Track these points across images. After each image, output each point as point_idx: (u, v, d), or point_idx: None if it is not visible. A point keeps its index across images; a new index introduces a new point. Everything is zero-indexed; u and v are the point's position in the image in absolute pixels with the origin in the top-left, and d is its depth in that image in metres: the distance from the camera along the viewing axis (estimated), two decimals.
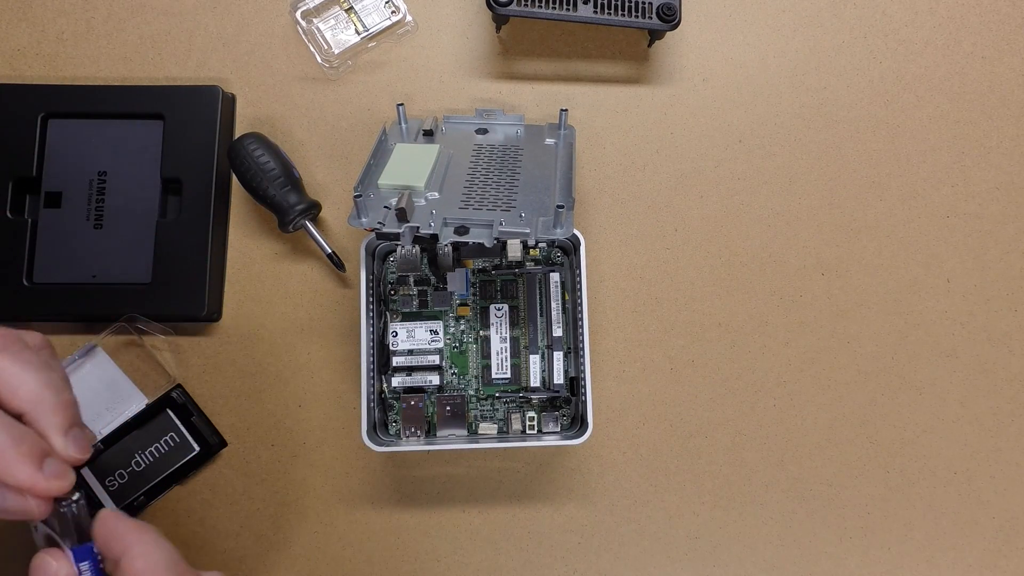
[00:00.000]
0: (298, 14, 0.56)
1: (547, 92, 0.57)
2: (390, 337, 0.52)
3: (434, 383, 0.51)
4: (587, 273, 0.52)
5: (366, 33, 0.56)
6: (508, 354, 0.52)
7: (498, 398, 0.53)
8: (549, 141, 0.54)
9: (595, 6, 0.53)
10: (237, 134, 0.55)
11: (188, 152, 0.53)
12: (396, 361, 0.52)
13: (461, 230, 0.45)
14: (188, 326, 0.54)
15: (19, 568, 0.50)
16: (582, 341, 0.50)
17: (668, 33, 0.56)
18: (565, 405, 0.53)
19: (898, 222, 0.57)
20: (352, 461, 0.54)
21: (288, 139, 0.56)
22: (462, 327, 0.53)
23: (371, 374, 0.49)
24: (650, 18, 0.53)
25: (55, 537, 0.37)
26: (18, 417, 0.36)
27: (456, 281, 0.53)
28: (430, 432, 0.52)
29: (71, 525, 0.37)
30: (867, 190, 0.57)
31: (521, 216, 0.45)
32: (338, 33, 0.56)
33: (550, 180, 0.49)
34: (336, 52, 0.56)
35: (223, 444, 0.53)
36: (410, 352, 0.52)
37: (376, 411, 0.51)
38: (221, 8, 0.57)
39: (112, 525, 0.37)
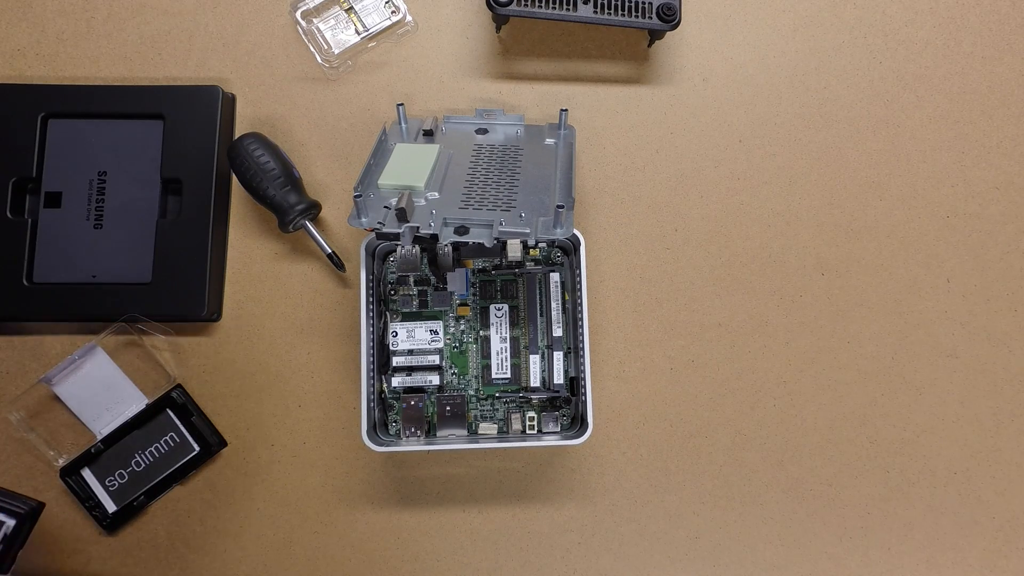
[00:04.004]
0: (298, 14, 0.56)
1: (547, 92, 0.57)
2: (390, 337, 0.52)
3: (434, 383, 0.51)
4: (587, 273, 0.52)
5: (366, 33, 0.56)
6: (508, 354, 0.52)
7: (498, 398, 0.53)
8: (549, 141, 0.54)
9: (595, 6, 0.53)
10: (237, 134, 0.55)
11: (188, 152, 0.53)
12: (396, 361, 0.52)
13: (461, 230, 0.45)
14: (188, 326, 0.54)
15: None
16: (582, 341, 0.50)
17: (668, 33, 0.56)
18: (565, 405, 0.53)
19: (898, 222, 0.57)
20: (352, 461, 0.54)
21: (288, 139, 0.56)
22: (462, 327, 0.53)
23: (371, 374, 0.49)
24: (650, 18, 0.53)
25: None
26: None
27: (456, 281, 0.53)
28: (430, 432, 0.52)
29: None
30: (867, 190, 0.57)
31: (521, 216, 0.45)
32: (338, 33, 0.56)
33: (550, 180, 0.49)
34: (336, 52, 0.56)
35: (223, 444, 0.53)
36: (410, 352, 0.52)
37: (376, 411, 0.51)
38: (221, 8, 0.57)
39: None
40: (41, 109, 0.53)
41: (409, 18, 0.56)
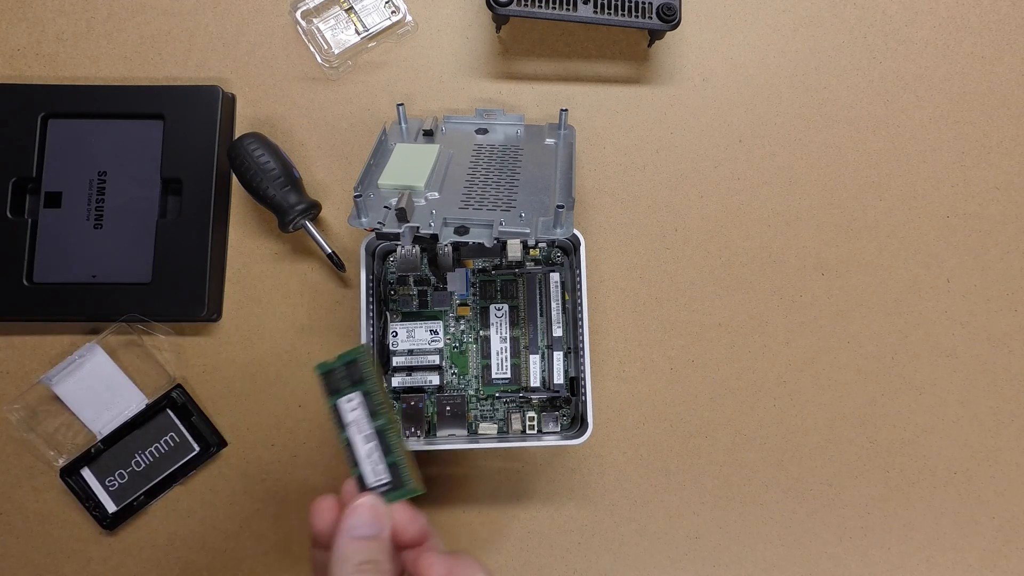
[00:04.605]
0: (298, 14, 0.56)
1: (547, 92, 0.57)
2: (390, 337, 0.52)
3: (434, 383, 0.51)
4: (587, 273, 0.52)
5: (366, 33, 0.56)
6: (508, 354, 0.52)
7: (498, 398, 0.53)
8: (549, 141, 0.54)
9: (595, 6, 0.53)
10: (237, 134, 0.55)
11: (188, 152, 0.53)
12: (396, 361, 0.52)
13: (461, 230, 0.45)
14: (188, 326, 0.54)
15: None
16: (582, 341, 0.50)
17: (668, 33, 0.56)
18: (565, 405, 0.53)
19: (898, 222, 0.57)
20: None
21: (288, 139, 0.56)
22: (462, 327, 0.53)
23: None
24: (650, 18, 0.53)
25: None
26: None
27: (456, 281, 0.53)
28: (430, 432, 0.52)
29: None
30: (867, 190, 0.57)
31: (521, 216, 0.45)
32: (338, 33, 0.56)
33: (550, 180, 0.49)
34: (336, 52, 0.56)
35: (223, 444, 0.53)
36: (410, 352, 0.52)
37: None
38: (221, 8, 0.57)
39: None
40: (41, 109, 0.53)
41: (409, 18, 0.56)
